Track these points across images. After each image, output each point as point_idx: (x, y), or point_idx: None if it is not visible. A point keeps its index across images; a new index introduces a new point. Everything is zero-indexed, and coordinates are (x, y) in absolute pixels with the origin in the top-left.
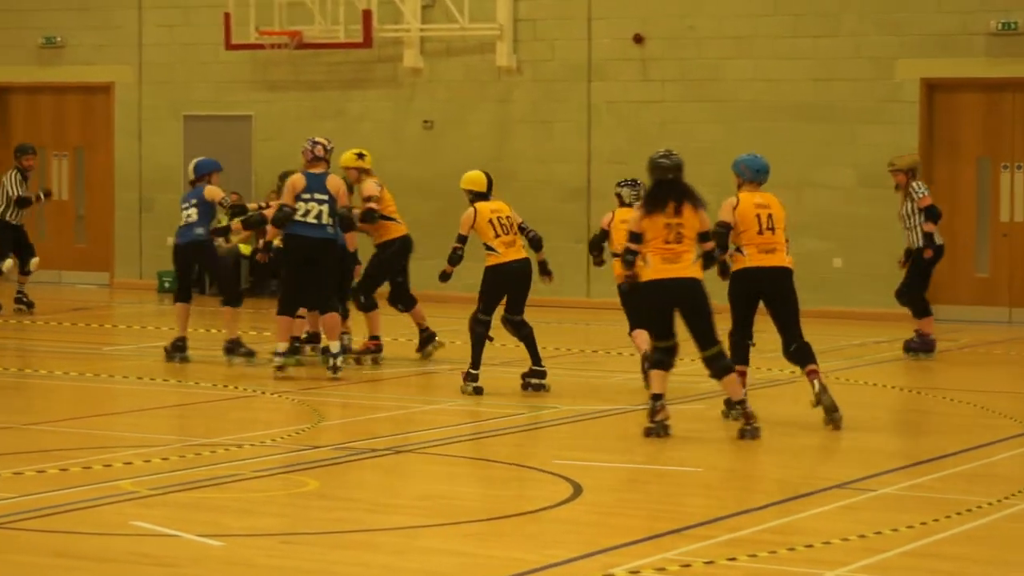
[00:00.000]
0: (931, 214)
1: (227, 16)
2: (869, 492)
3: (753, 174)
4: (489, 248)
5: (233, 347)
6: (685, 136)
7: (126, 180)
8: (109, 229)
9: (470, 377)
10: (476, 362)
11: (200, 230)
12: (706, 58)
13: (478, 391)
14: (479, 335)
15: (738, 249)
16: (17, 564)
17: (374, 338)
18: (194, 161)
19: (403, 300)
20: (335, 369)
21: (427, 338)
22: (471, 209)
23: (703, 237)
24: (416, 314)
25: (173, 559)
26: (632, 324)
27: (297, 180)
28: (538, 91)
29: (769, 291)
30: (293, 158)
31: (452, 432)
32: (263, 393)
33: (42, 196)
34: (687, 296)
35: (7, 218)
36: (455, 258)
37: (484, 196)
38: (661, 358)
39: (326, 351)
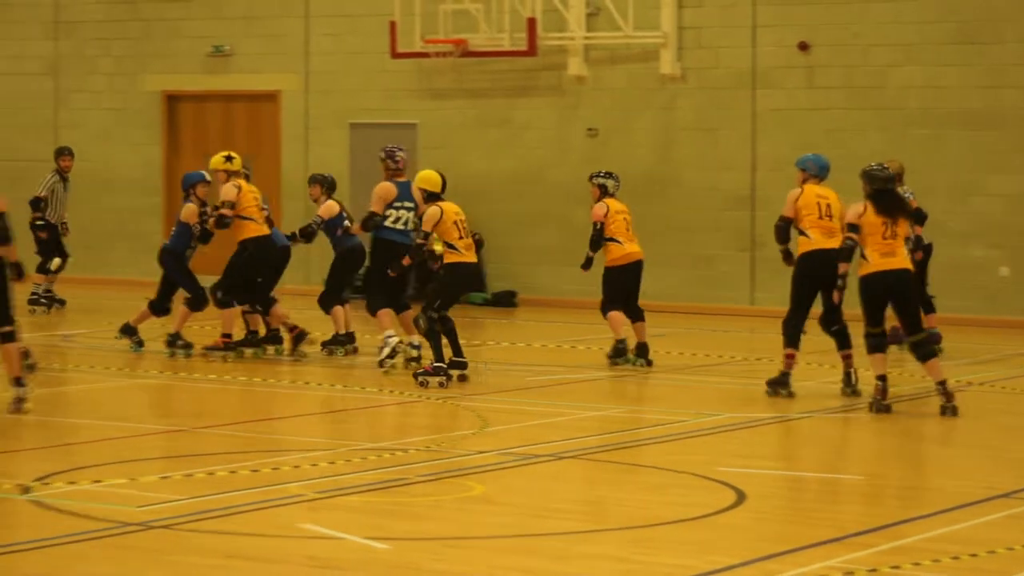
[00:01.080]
0: (918, 217)
1: (393, 25)
2: None
3: (818, 170)
4: (451, 247)
5: (173, 340)
6: (850, 143)
7: (292, 188)
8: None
9: (437, 371)
10: (440, 356)
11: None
12: (871, 65)
13: (444, 384)
14: (437, 332)
15: (802, 232)
16: (188, 565)
17: (226, 336)
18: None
19: (261, 301)
20: (417, 360)
21: (298, 336)
22: (436, 208)
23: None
24: (276, 315)
25: (340, 561)
26: (608, 306)
27: (389, 189)
28: (702, 98)
29: (828, 274)
30: (459, 165)
31: (614, 438)
32: (427, 399)
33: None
34: (902, 286)
35: (48, 218)
36: (428, 254)
37: (438, 196)
38: (879, 343)
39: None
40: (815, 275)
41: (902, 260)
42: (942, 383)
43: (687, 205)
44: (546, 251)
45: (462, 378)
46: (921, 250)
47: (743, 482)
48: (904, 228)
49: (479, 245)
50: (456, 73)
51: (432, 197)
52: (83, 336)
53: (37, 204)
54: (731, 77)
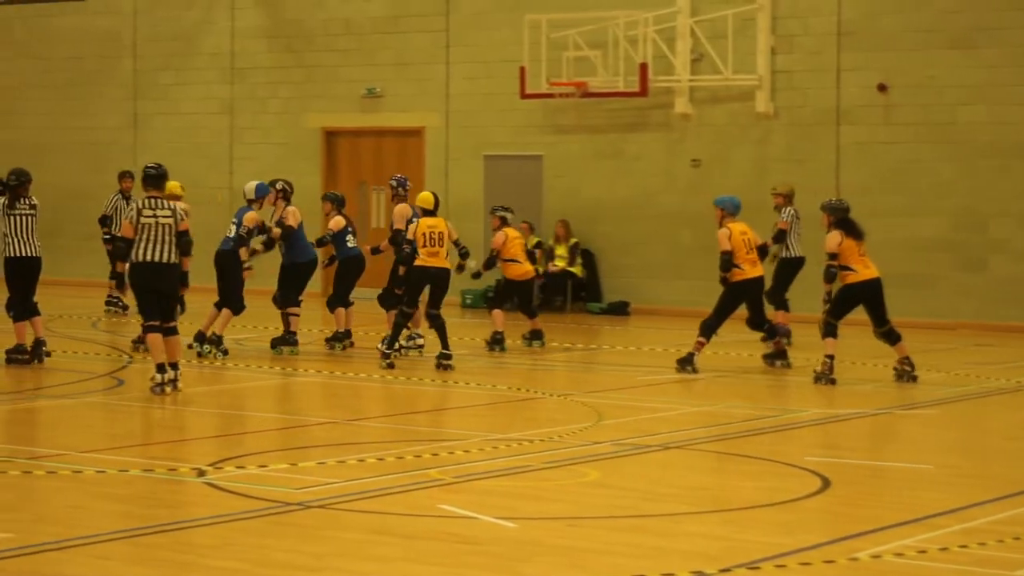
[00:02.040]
0: (779, 237)
1: (522, 70)
2: None
3: (734, 209)
4: (416, 255)
5: (201, 338)
6: (925, 174)
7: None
8: None
9: (386, 356)
10: (393, 343)
11: (231, 244)
12: (943, 104)
13: (391, 367)
14: (401, 324)
15: (736, 265)
16: (340, 540)
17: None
18: (255, 184)
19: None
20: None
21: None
22: (416, 223)
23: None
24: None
25: (474, 538)
26: (493, 304)
27: (407, 210)
28: (792, 134)
29: (756, 296)
30: (579, 192)
31: (715, 431)
32: (550, 396)
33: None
34: (877, 290)
35: (113, 233)
36: (405, 258)
37: (431, 213)
38: (834, 330)
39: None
40: (744, 297)
41: (875, 270)
42: (907, 358)
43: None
44: (655, 266)
45: (446, 367)
46: (763, 255)
47: (828, 470)
48: (865, 246)
49: (465, 254)
50: (577, 111)
51: (425, 213)
52: (249, 340)
53: (104, 221)
54: (818, 114)
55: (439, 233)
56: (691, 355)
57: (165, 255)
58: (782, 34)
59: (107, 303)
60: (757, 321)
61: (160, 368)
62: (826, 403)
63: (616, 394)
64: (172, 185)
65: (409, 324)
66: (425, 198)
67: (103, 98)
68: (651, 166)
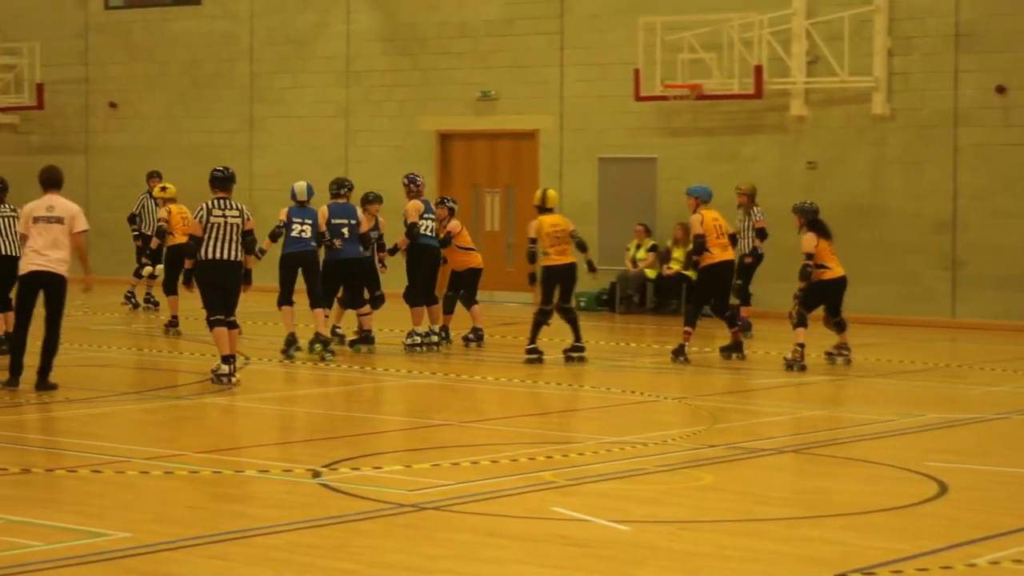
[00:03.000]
0: (761, 234)
1: (637, 72)
2: None
3: (707, 197)
4: (544, 252)
5: (322, 341)
6: None
7: None
8: None
9: (531, 352)
10: (534, 340)
11: (313, 243)
12: None
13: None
14: (541, 322)
15: (706, 249)
16: (455, 542)
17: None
18: (305, 184)
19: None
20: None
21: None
22: (536, 220)
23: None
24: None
25: (587, 540)
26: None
27: (419, 206)
28: (909, 136)
29: (727, 279)
30: None
31: (830, 435)
32: (665, 399)
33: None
34: (844, 287)
35: (142, 230)
36: (530, 255)
37: (548, 210)
38: (805, 320)
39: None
40: (716, 281)
41: (842, 269)
42: (845, 344)
43: (895, 229)
44: (768, 269)
45: (579, 360)
46: (753, 257)
47: (945, 475)
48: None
49: (582, 246)
50: (692, 113)
51: (542, 211)
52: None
53: (133, 219)
54: (935, 116)
55: (563, 230)
56: (682, 346)
57: (232, 253)
58: (899, 36)
59: (127, 298)
60: (721, 307)
61: (225, 359)
62: (945, 407)
63: (729, 397)
64: (171, 188)
65: (418, 320)
66: (544, 197)
67: (220, 101)
68: (766, 168)
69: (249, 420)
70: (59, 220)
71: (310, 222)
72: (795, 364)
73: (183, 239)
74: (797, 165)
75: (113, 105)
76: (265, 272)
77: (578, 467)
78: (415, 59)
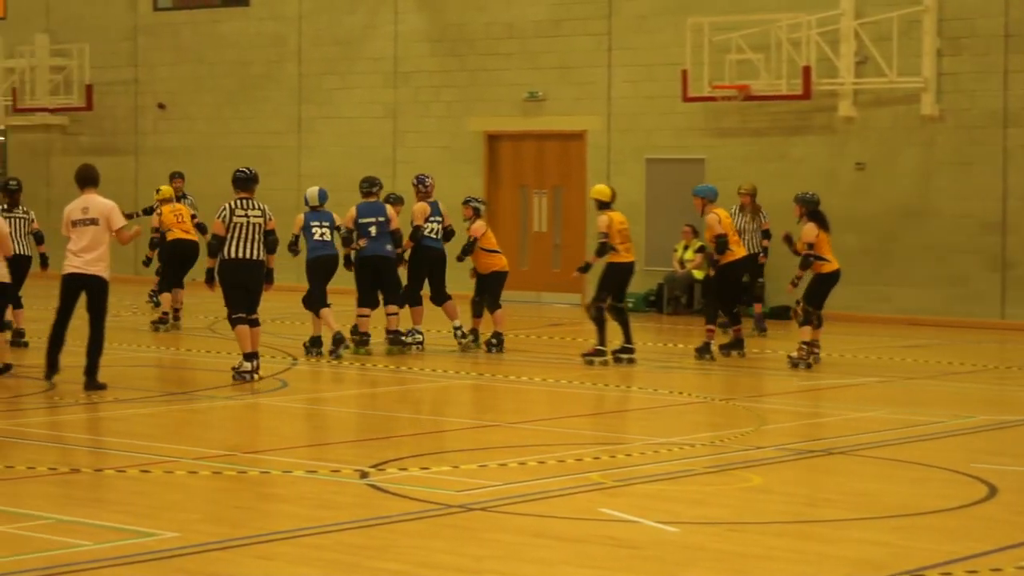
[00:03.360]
0: (767, 235)
1: (684, 73)
2: None
3: (714, 196)
4: (613, 248)
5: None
6: None
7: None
8: (582, 257)
9: (598, 353)
10: (603, 341)
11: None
12: None
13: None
14: (599, 319)
15: (728, 248)
16: (502, 543)
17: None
18: (318, 189)
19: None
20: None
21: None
22: (606, 216)
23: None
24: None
25: (635, 542)
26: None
27: (425, 208)
28: (959, 137)
29: (745, 273)
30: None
31: (879, 436)
32: (712, 399)
33: (139, 214)
34: (837, 280)
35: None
36: (601, 251)
37: (608, 206)
38: (811, 318)
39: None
40: (735, 277)
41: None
42: (817, 342)
43: (944, 230)
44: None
45: (629, 361)
46: (766, 257)
47: (995, 477)
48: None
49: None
50: (739, 114)
51: (604, 206)
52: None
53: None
54: (985, 117)
55: (628, 228)
56: (707, 344)
57: (254, 252)
58: (948, 36)
59: (151, 296)
60: (732, 305)
61: (247, 357)
62: (994, 409)
63: (778, 398)
64: (165, 189)
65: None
66: (603, 191)
67: (268, 102)
68: (814, 169)
69: (296, 420)
70: (94, 222)
71: (327, 224)
72: (801, 362)
73: (181, 235)
74: (845, 166)
75: (161, 106)
76: (288, 271)
77: (626, 468)
78: (463, 60)
